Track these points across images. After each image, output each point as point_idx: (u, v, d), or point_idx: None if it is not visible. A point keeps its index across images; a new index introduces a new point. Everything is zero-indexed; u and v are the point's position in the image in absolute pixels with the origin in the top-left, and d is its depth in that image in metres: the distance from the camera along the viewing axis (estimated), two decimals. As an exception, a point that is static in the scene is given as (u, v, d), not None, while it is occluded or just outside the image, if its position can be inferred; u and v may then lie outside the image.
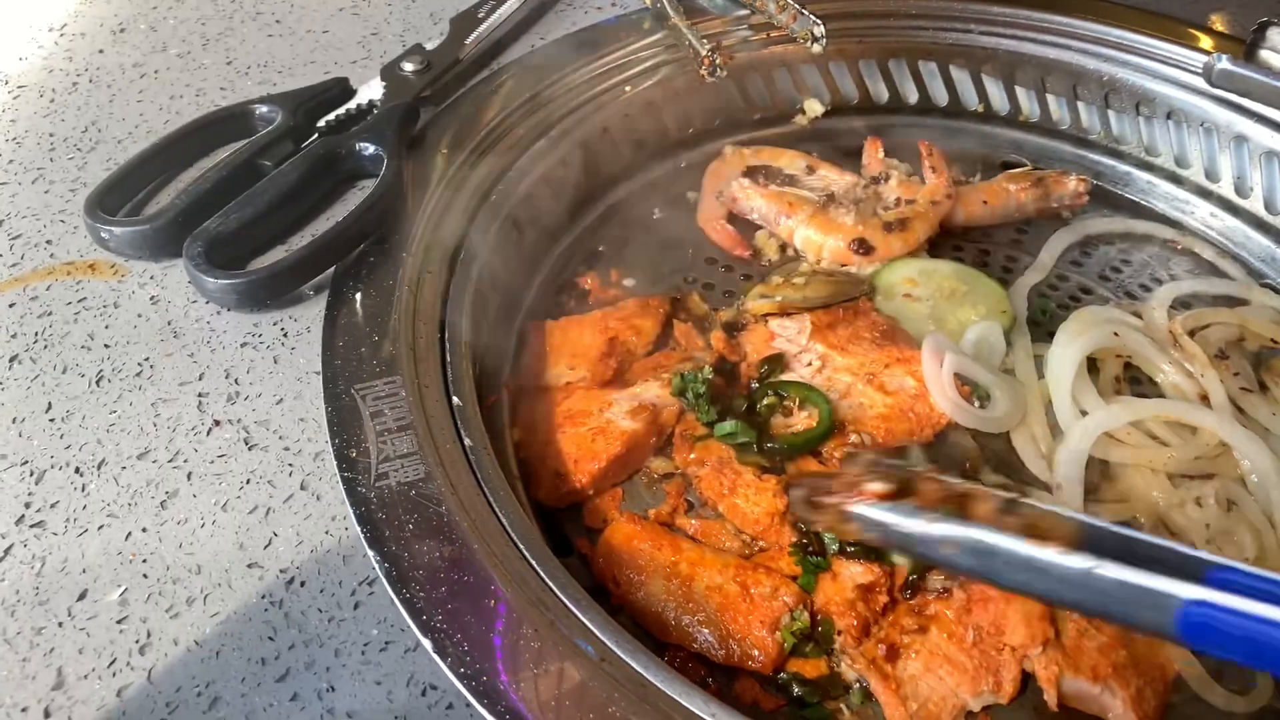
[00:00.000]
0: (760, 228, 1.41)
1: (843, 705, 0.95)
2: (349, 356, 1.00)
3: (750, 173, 1.43)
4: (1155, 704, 0.95)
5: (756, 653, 0.96)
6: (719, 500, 1.08)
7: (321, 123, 1.24)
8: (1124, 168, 1.51)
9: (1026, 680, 0.96)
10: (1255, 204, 1.43)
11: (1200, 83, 1.43)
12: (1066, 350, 1.18)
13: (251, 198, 1.11)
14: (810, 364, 1.19)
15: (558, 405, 1.15)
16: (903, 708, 0.92)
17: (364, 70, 1.36)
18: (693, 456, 1.11)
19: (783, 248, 1.39)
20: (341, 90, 1.29)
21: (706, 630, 0.97)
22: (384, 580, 0.82)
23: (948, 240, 1.42)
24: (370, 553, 0.84)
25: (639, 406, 1.12)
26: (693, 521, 1.08)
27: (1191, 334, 1.26)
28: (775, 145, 1.49)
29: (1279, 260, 1.41)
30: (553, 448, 1.10)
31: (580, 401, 1.14)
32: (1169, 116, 1.47)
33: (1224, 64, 1.39)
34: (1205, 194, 1.47)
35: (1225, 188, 1.46)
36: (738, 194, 1.41)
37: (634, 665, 0.80)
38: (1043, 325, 1.27)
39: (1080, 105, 1.52)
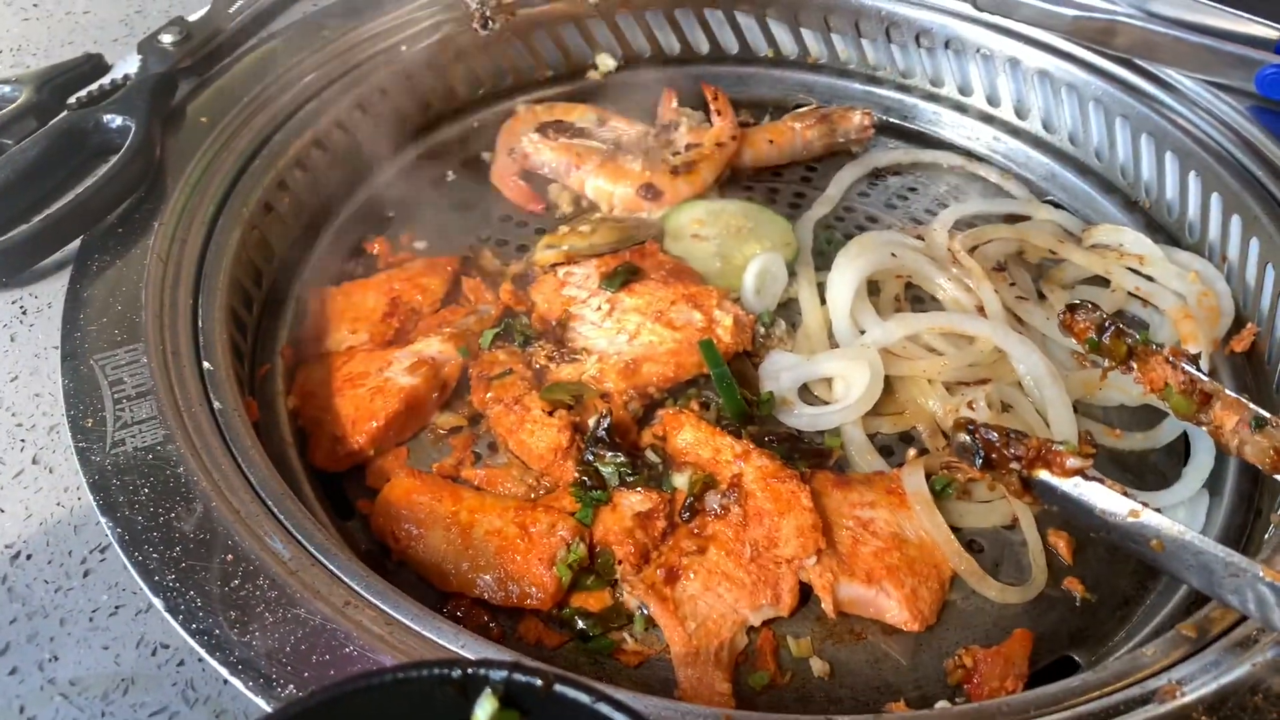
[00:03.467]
0: (554, 181, 1.40)
1: (626, 634, 0.95)
2: (90, 328, 0.96)
3: (542, 129, 1.42)
4: (930, 601, 0.97)
5: (534, 590, 0.94)
6: (509, 437, 1.07)
7: (72, 99, 1.19)
8: (911, 100, 1.54)
9: (808, 592, 0.97)
10: (1034, 124, 1.48)
11: (971, 10, 1.46)
12: (844, 274, 1.20)
13: (-14, 177, 1.06)
14: (599, 308, 1.19)
15: (338, 370, 1.12)
16: (681, 628, 0.92)
17: (125, 48, 1.30)
18: (489, 396, 1.09)
19: (577, 200, 1.38)
20: (94, 67, 1.24)
21: (486, 575, 0.96)
22: (116, 545, 0.79)
23: (739, 182, 1.43)
24: (102, 519, 0.80)
25: (418, 362, 1.10)
26: (479, 471, 1.07)
27: (971, 251, 1.29)
28: (570, 102, 1.49)
29: (1059, 177, 1.45)
30: (330, 411, 1.08)
31: (360, 363, 1.12)
32: (947, 46, 1.50)
33: (988, -11, 1.43)
34: (988, 119, 1.51)
35: (1006, 111, 1.50)
36: (528, 149, 1.40)
37: (380, 605, 0.79)
38: (828, 255, 1.28)
39: (864, 42, 1.54)
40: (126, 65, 1.24)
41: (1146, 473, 1.12)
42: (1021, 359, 1.14)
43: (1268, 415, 0.91)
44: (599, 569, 0.97)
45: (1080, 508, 0.88)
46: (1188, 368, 0.96)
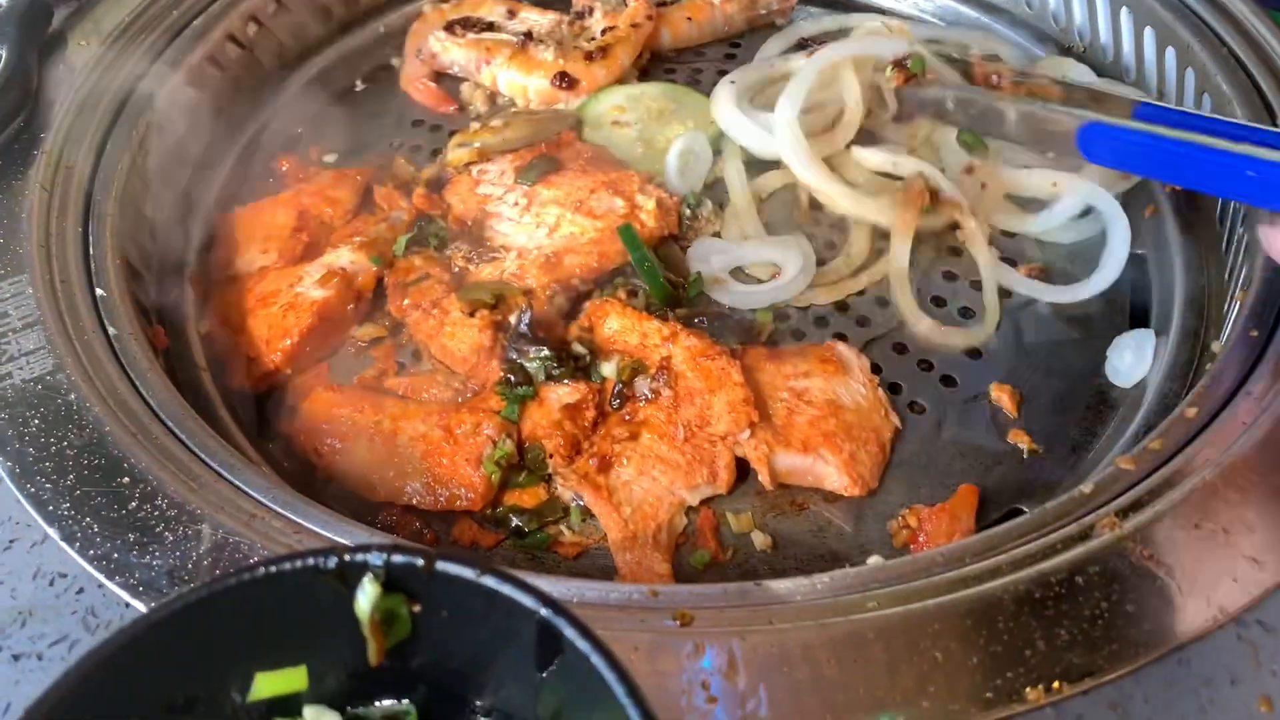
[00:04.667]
0: (466, 80, 1.34)
1: (563, 527, 0.93)
2: (-30, 265, 0.92)
3: (450, 26, 1.36)
4: (870, 465, 0.95)
5: (464, 491, 0.92)
6: (430, 342, 1.04)
7: (-60, 34, 1.12)
8: (834, -35, 1.48)
9: (746, 468, 0.95)
10: (962, -22, 1.42)
11: None
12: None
13: None
14: (516, 204, 1.14)
15: (250, 291, 1.08)
16: (616, 514, 0.90)
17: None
18: (406, 302, 1.06)
19: (492, 97, 1.33)
20: (-38, -1, 1.17)
21: (414, 481, 0.93)
22: (6, 479, 0.76)
23: (660, 65, 1.37)
24: (-9, 456, 0.77)
25: (329, 274, 1.06)
26: (403, 380, 1.03)
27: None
28: (479, -3, 1.42)
29: (992, 31, 1.39)
30: (244, 333, 1.04)
31: (272, 282, 1.08)
32: (865, -98, 1.43)
33: None
34: (914, -23, 1.45)
35: (933, -32, 1.44)
36: (435, 48, 1.34)
37: (288, 514, 0.76)
38: (754, 128, 1.24)
39: (781, -92, 1.47)
40: (-3, -5, 1.17)
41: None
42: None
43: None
44: (530, 464, 0.94)
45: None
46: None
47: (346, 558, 0.53)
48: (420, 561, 0.52)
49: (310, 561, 0.53)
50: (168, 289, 1.07)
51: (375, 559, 0.53)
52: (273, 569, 0.53)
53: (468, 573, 0.52)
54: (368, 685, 0.57)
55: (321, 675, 0.56)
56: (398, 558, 0.53)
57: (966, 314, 1.09)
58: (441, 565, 0.52)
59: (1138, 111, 1.01)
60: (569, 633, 0.49)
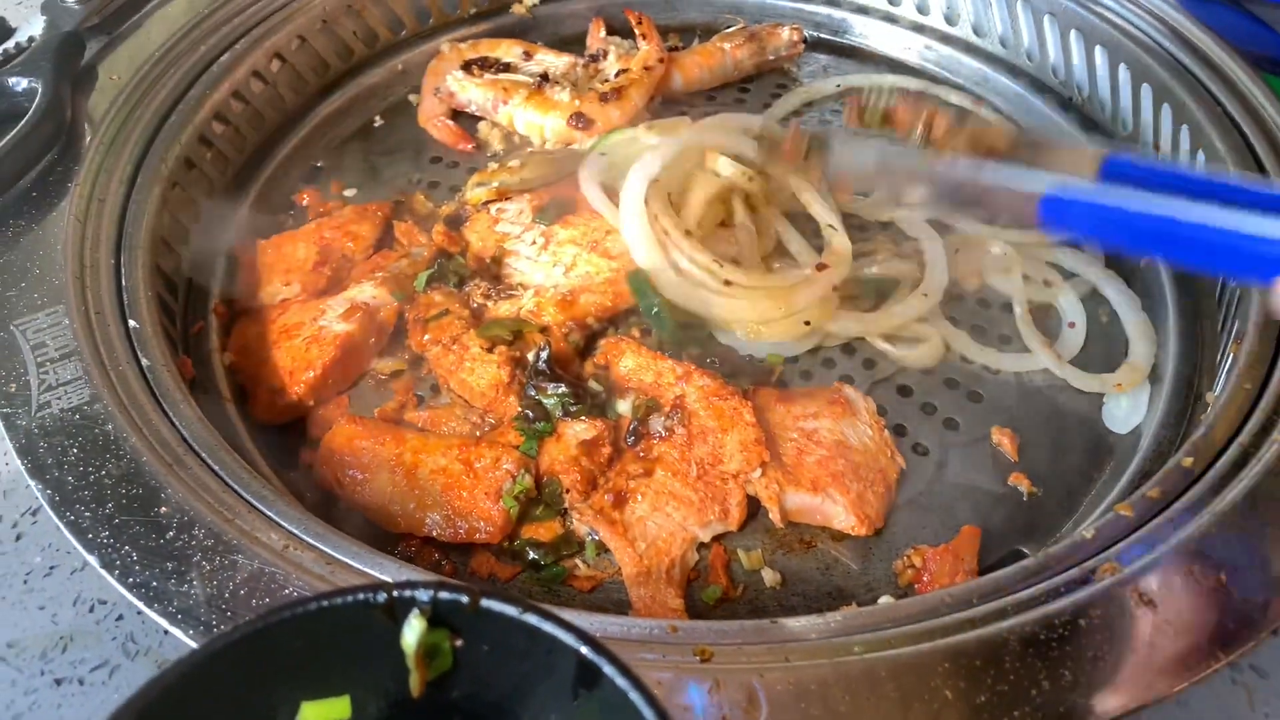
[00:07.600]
0: (483, 119, 1.38)
1: (578, 561, 0.95)
2: (8, 294, 0.94)
3: (468, 66, 1.40)
4: (877, 505, 0.98)
5: (483, 524, 0.94)
6: (449, 376, 1.06)
7: (-25, 65, 1.15)
8: (840, 15, 1.52)
9: (756, 506, 0.98)
10: (965, 30, 1.46)
11: (894, -84, 1.45)
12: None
13: (-111, 149, 1.02)
14: (534, 243, 1.18)
15: (273, 322, 1.10)
16: (631, 549, 0.92)
17: (29, 11, 1.27)
18: (426, 337, 1.09)
19: (508, 136, 1.36)
20: (-3, 31, 1.20)
21: (434, 513, 0.95)
22: (46, 506, 0.78)
23: (672, 108, 1.41)
24: (31, 482, 0.79)
25: (352, 308, 1.09)
26: (422, 414, 1.06)
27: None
28: (495, 38, 1.46)
29: (991, 81, 1.44)
30: (267, 365, 1.06)
31: (295, 314, 1.10)
32: (874, -45, 1.48)
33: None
34: (919, 29, 1.49)
35: (936, 19, 1.48)
36: (454, 87, 1.37)
37: (320, 545, 0.78)
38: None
39: (789, -44, 1.52)
40: (31, 27, 1.20)
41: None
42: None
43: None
44: (547, 499, 0.97)
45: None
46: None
47: (396, 593, 0.55)
48: (466, 599, 0.55)
49: (361, 596, 0.55)
50: (192, 320, 1.10)
51: (423, 595, 0.55)
52: (325, 603, 0.55)
53: (511, 610, 0.55)
54: (407, 715, 0.59)
55: (363, 704, 0.58)
56: (444, 594, 0.55)
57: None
58: (486, 603, 0.55)
59: (1105, 167, 0.89)
60: (609, 670, 0.52)
